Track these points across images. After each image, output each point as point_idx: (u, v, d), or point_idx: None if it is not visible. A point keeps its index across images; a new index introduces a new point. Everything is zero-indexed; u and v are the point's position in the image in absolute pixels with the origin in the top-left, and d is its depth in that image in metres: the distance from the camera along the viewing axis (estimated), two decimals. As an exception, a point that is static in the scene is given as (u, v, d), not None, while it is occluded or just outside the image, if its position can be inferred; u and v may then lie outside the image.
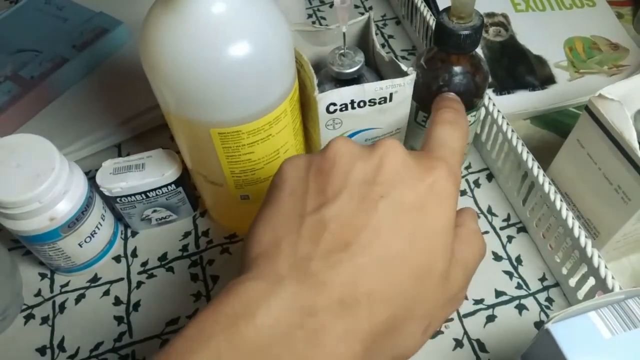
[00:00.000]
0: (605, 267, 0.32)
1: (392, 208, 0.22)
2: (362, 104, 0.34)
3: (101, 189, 0.38)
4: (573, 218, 0.34)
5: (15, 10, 0.57)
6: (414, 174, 0.24)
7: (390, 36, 0.55)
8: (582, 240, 0.33)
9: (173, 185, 0.39)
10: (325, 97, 0.33)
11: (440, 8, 0.50)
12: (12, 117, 0.48)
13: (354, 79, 0.35)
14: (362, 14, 0.38)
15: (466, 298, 0.38)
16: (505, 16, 0.50)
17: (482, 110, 0.42)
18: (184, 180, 0.40)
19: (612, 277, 0.31)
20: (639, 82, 0.32)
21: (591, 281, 0.34)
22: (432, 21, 0.47)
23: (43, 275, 0.41)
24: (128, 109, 0.48)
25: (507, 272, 0.39)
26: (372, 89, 0.33)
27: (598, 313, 0.26)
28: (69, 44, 0.53)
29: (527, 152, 0.38)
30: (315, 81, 0.33)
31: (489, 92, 0.47)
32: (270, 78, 0.31)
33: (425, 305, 0.23)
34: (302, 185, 0.24)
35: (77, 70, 0.52)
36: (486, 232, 0.41)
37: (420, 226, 0.23)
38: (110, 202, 0.40)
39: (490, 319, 0.37)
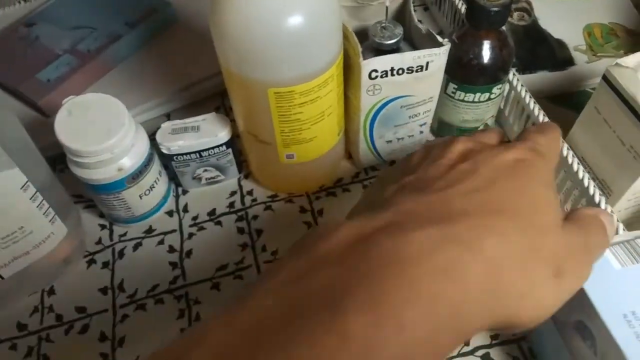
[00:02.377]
0: (617, 220, 0.36)
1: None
2: (400, 71, 0.38)
3: (160, 146, 0.42)
4: (589, 178, 0.38)
5: (70, -9, 0.62)
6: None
7: (419, 20, 0.59)
8: (597, 197, 0.37)
9: (224, 147, 0.43)
10: (369, 64, 0.37)
11: (468, -7, 0.53)
12: (71, 86, 0.52)
13: (393, 50, 0.39)
14: (400, -7, 0.42)
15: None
16: (528, 2, 0.54)
17: (507, 87, 0.46)
18: (234, 143, 0.44)
19: (624, 229, 0.35)
20: (652, 54, 0.35)
21: (604, 236, 0.37)
22: (460, 5, 0.51)
23: (103, 226, 0.45)
24: (177, 81, 0.53)
25: (526, 232, 0.43)
26: (410, 57, 0.37)
27: (610, 249, 0.30)
28: (121, 22, 0.57)
29: (547, 120, 0.41)
30: (360, 50, 0.37)
31: (513, 71, 0.50)
32: (322, 44, 0.35)
33: (549, 243, 0.23)
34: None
35: (130, 45, 0.56)
36: (507, 197, 0.45)
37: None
38: (166, 160, 0.44)
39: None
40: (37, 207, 0.37)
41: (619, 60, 0.34)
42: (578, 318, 0.29)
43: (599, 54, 0.52)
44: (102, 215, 0.45)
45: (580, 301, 0.29)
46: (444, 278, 0.20)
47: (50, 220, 0.38)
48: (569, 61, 0.51)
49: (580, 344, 0.30)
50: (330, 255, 0.20)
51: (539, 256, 0.22)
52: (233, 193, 0.46)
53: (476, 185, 0.24)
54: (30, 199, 0.36)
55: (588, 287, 0.28)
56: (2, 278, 0.38)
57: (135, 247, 0.44)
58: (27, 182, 0.35)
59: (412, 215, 0.22)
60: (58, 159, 0.47)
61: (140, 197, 0.42)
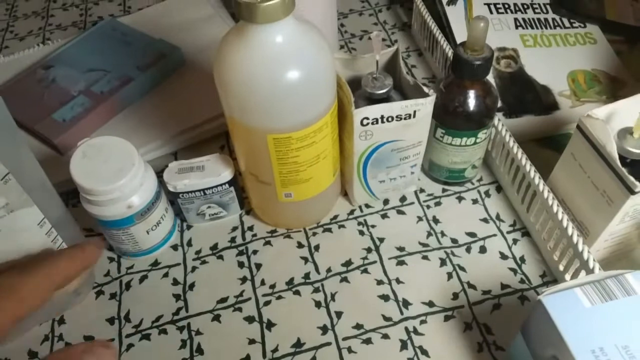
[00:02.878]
0: (594, 260, 0.38)
1: None
2: (390, 118, 0.41)
3: (168, 185, 0.45)
4: (568, 220, 0.40)
5: (85, 36, 0.66)
6: None
7: (413, 66, 0.63)
8: (575, 238, 0.39)
9: (227, 185, 0.46)
10: (360, 112, 0.40)
11: (458, 41, 0.57)
12: (85, 126, 0.56)
13: (384, 99, 0.42)
14: (389, 46, 0.46)
15: (475, 289, 0.44)
16: (515, 50, 0.57)
17: (493, 130, 0.49)
18: (236, 182, 0.47)
19: (600, 269, 0.37)
20: (620, 106, 0.38)
21: (582, 274, 0.39)
22: (450, 53, 0.54)
23: (111, 259, 0.48)
24: (184, 122, 0.56)
25: (511, 269, 0.45)
26: (399, 106, 0.40)
27: (581, 289, 0.32)
28: (133, 65, 0.61)
29: (530, 165, 0.44)
30: (353, 99, 0.40)
31: (500, 116, 0.53)
32: (317, 95, 0.38)
33: None
34: None
35: (141, 88, 0.60)
36: (494, 235, 0.47)
37: None
38: (172, 197, 0.47)
39: (496, 307, 0.43)
40: (52, 241, 0.39)
41: (590, 112, 0.37)
42: (552, 353, 0.32)
43: (582, 99, 0.55)
44: (111, 249, 0.48)
45: (554, 337, 0.31)
46: None
47: (63, 254, 0.41)
48: (553, 106, 0.54)
49: (555, 378, 0.32)
50: None
51: None
52: (235, 228, 0.49)
53: None
54: (45, 234, 0.39)
55: (560, 324, 0.30)
56: (16, 308, 0.40)
57: (142, 280, 0.46)
58: (43, 218, 0.38)
59: None
60: (71, 195, 0.50)
61: (148, 232, 0.45)
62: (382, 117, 0.41)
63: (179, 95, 0.59)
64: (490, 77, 0.50)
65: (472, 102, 0.44)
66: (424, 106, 0.41)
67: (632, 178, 0.34)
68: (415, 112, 0.41)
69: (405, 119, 0.41)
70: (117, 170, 0.41)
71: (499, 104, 0.54)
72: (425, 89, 0.41)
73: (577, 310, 0.31)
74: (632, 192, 0.34)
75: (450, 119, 0.45)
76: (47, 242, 0.39)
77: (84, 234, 0.48)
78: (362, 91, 0.43)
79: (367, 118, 0.41)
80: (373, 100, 0.42)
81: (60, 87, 0.60)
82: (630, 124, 0.37)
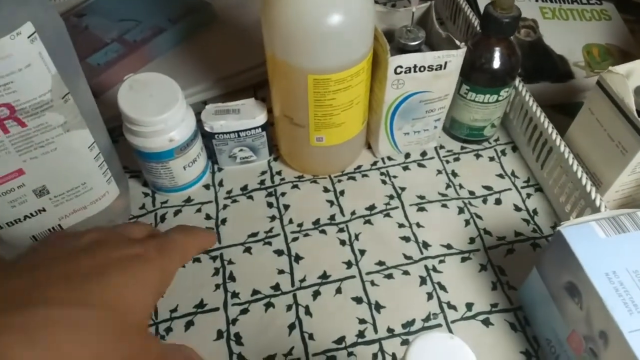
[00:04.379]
0: (605, 207, 0.41)
1: None
2: (422, 68, 0.43)
3: (205, 125, 0.48)
4: (582, 171, 0.43)
5: (117, -12, 0.68)
6: None
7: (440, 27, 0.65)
8: (588, 187, 0.42)
9: (259, 129, 0.49)
10: (395, 60, 0.43)
11: (481, 8, 0.59)
12: (119, 71, 0.58)
13: (416, 51, 0.45)
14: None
15: (490, 235, 0.47)
16: (534, 21, 0.60)
17: (512, 92, 0.52)
18: (268, 127, 0.49)
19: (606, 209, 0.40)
20: (637, 65, 0.41)
21: (593, 221, 0.42)
22: (474, 20, 0.57)
23: (146, 194, 0.50)
24: (214, 73, 0.58)
25: (525, 220, 0.48)
26: (431, 56, 0.43)
27: (597, 222, 0.35)
28: (165, 17, 0.63)
29: (549, 122, 0.47)
30: (388, 48, 0.43)
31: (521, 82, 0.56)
32: (357, 39, 0.40)
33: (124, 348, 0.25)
34: None
35: (172, 39, 0.62)
36: (509, 189, 0.50)
37: None
38: (206, 140, 0.49)
39: (510, 251, 0.46)
40: (99, 166, 0.42)
41: (612, 68, 0.40)
42: (568, 279, 0.35)
43: (595, 71, 0.58)
44: (145, 185, 0.51)
45: (570, 263, 0.34)
46: None
47: (107, 181, 0.43)
48: (568, 75, 0.57)
49: (568, 302, 0.35)
50: None
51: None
52: (264, 172, 0.52)
53: (79, 275, 0.25)
54: (94, 158, 0.41)
55: (577, 250, 0.33)
56: (62, 229, 0.43)
57: (176, 213, 0.49)
58: (93, 142, 0.40)
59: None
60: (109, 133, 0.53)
61: (185, 168, 0.47)
62: (415, 66, 0.43)
63: (209, 49, 0.61)
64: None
65: (497, 59, 0.46)
66: (455, 58, 0.43)
67: (647, 127, 0.37)
68: (446, 63, 0.43)
69: (436, 69, 0.44)
70: (162, 104, 0.44)
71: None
72: (457, 42, 0.44)
73: (593, 240, 0.34)
74: (647, 140, 0.37)
75: (476, 75, 0.47)
76: (94, 166, 0.41)
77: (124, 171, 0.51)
78: (395, 43, 0.45)
79: (401, 66, 0.43)
80: (406, 52, 0.45)
81: (94, 34, 0.62)
82: (646, 83, 0.40)
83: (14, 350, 0.21)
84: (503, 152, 0.53)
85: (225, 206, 0.49)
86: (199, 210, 0.49)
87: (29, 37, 0.33)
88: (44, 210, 0.41)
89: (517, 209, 0.49)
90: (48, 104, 0.36)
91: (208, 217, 0.48)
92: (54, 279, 0.24)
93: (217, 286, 0.44)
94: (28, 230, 0.41)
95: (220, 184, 0.51)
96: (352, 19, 0.38)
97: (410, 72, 0.44)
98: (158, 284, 0.29)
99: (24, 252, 0.27)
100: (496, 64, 0.46)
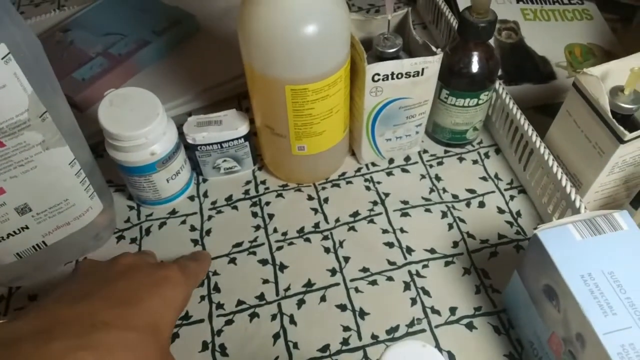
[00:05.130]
0: (585, 208, 0.41)
1: None
2: (400, 75, 0.44)
3: (187, 137, 0.48)
4: (562, 173, 0.43)
5: (101, 3, 0.68)
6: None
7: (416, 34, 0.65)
8: (568, 188, 0.42)
9: (242, 139, 0.49)
10: (372, 68, 0.43)
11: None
12: (104, 85, 0.58)
13: (394, 58, 0.45)
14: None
15: (474, 238, 0.47)
16: (515, 23, 0.60)
17: (494, 96, 0.52)
18: (250, 137, 0.50)
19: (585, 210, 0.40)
20: (613, 66, 0.41)
21: (574, 222, 0.43)
22: (455, 24, 0.57)
23: (131, 207, 0.51)
24: (199, 84, 0.59)
25: (508, 222, 0.48)
26: (408, 63, 0.43)
27: (574, 225, 0.35)
28: (149, 30, 0.63)
29: (529, 125, 0.47)
30: (365, 56, 0.43)
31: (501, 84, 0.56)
32: (333, 49, 0.41)
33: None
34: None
35: (157, 51, 0.62)
36: (492, 192, 0.50)
37: None
38: (190, 152, 0.49)
39: (493, 254, 0.46)
40: (80, 182, 0.42)
41: (586, 70, 0.40)
42: (545, 282, 0.35)
43: (577, 70, 0.58)
44: (130, 198, 0.51)
45: (547, 266, 0.34)
46: None
47: (90, 196, 0.43)
48: (551, 75, 0.57)
49: (547, 305, 0.35)
50: None
51: None
52: (248, 182, 0.52)
53: (123, 300, 0.30)
54: (75, 174, 0.41)
55: (552, 253, 0.34)
56: (46, 245, 0.43)
57: (161, 226, 0.49)
58: (74, 159, 0.41)
59: (59, 324, 0.27)
60: (92, 148, 0.53)
61: (168, 180, 0.48)
62: (392, 73, 0.44)
63: (194, 60, 0.62)
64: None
65: (475, 63, 0.46)
66: (432, 64, 0.44)
67: (621, 128, 0.37)
68: (423, 69, 0.44)
69: (414, 76, 0.44)
70: (143, 118, 0.44)
71: (499, 72, 0.57)
72: (433, 48, 0.44)
73: (569, 243, 0.34)
74: (622, 141, 0.38)
75: (454, 80, 0.48)
76: (75, 182, 0.42)
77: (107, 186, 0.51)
78: (373, 51, 0.46)
79: (379, 74, 0.43)
80: (384, 59, 0.45)
81: (79, 49, 0.62)
82: (622, 84, 0.40)
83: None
84: (486, 155, 0.54)
85: (210, 217, 0.49)
86: (183, 222, 0.49)
87: (2, 58, 0.33)
88: (27, 227, 0.41)
89: (501, 211, 0.49)
90: (25, 124, 0.36)
91: (193, 228, 0.49)
92: (105, 305, 0.29)
93: (202, 297, 0.44)
94: (12, 247, 0.42)
95: (205, 194, 0.51)
96: (326, 29, 0.39)
97: (388, 79, 0.44)
98: (182, 304, 0.34)
99: (65, 282, 0.32)
100: (474, 68, 0.47)
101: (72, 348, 0.26)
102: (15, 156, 0.37)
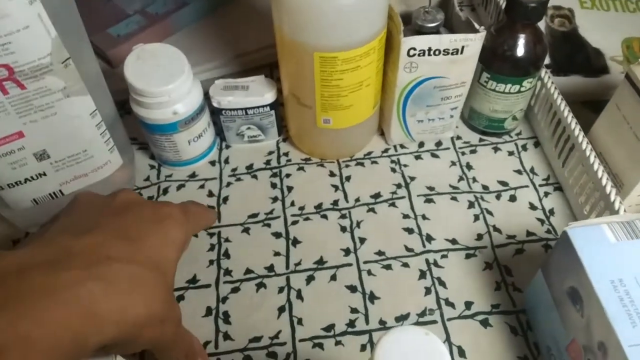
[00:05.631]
0: (624, 211, 0.38)
1: None
2: (437, 52, 0.41)
3: (212, 100, 0.47)
4: (603, 171, 0.40)
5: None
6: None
7: (460, 9, 0.62)
8: (608, 188, 0.39)
9: (268, 107, 0.48)
10: (408, 41, 0.41)
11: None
12: (138, 42, 0.57)
13: (433, 33, 0.42)
14: (446, -16, 0.46)
15: (500, 232, 0.44)
16: (570, 10, 0.56)
17: (538, 85, 0.49)
18: (277, 106, 0.48)
19: (625, 211, 0.37)
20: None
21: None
22: (503, 4, 0.54)
23: (152, 166, 0.50)
24: (232, 50, 0.57)
25: (539, 219, 0.45)
26: (447, 39, 0.40)
27: (609, 225, 0.32)
28: (188, -8, 0.62)
29: (572, 117, 0.44)
30: (402, 28, 0.41)
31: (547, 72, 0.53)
32: (367, 16, 0.39)
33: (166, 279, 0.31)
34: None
35: (194, 13, 0.61)
36: (526, 187, 0.47)
37: None
38: (215, 117, 0.48)
39: (519, 251, 0.43)
40: (101, 134, 0.42)
41: (642, 60, 0.37)
42: (571, 284, 0.32)
43: (634, 66, 0.54)
44: (152, 157, 0.50)
45: (574, 267, 0.31)
46: (73, 307, 0.25)
47: (109, 149, 0.43)
48: (603, 69, 0.53)
49: (570, 309, 0.32)
50: None
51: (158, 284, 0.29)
52: (271, 152, 0.51)
53: (127, 234, 0.30)
54: (96, 125, 0.41)
55: (582, 255, 0.31)
56: (62, 194, 0.43)
57: (179, 188, 0.48)
58: (95, 110, 0.40)
59: (67, 255, 0.27)
60: (119, 105, 0.53)
61: (189, 142, 0.47)
62: (429, 49, 0.41)
63: (229, 25, 0.60)
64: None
65: (521, 47, 0.43)
66: (473, 42, 0.41)
67: (676, 126, 0.34)
68: (463, 47, 0.41)
69: (452, 54, 0.41)
70: (168, 76, 0.43)
71: (547, 61, 0.53)
72: (476, 25, 0.41)
73: (601, 244, 0.31)
74: (675, 140, 0.34)
75: (497, 63, 0.45)
76: (96, 133, 0.41)
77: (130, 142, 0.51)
78: (412, 25, 0.43)
79: (414, 48, 0.41)
80: (423, 34, 0.42)
81: (117, 5, 0.62)
82: (682, 79, 0.36)
83: (97, 296, 0.26)
84: (524, 147, 0.50)
85: (228, 184, 0.48)
86: (202, 187, 0.48)
87: (27, -2, 0.33)
88: (44, 174, 0.41)
89: (533, 207, 0.46)
90: (47, 68, 0.36)
91: (211, 194, 0.48)
92: (110, 239, 0.29)
93: (211, 262, 0.43)
94: (29, 193, 0.42)
95: (226, 161, 0.50)
96: (362, -5, 0.37)
97: (424, 55, 0.41)
98: (183, 245, 0.33)
99: (65, 213, 0.31)
100: (520, 51, 0.44)
101: (81, 278, 0.26)
102: (36, 100, 0.37)
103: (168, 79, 0.43)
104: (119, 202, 0.32)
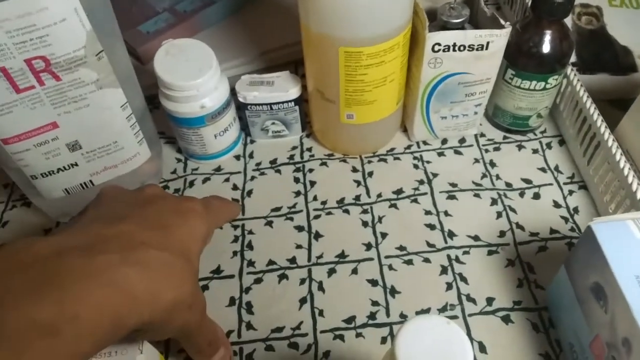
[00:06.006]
0: (652, 208, 0.37)
1: None
2: (462, 47, 0.41)
3: (238, 95, 0.48)
4: (629, 169, 0.40)
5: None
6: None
7: (486, 4, 0.62)
8: (634, 186, 0.39)
9: (292, 103, 0.48)
10: (433, 37, 0.41)
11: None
12: (167, 39, 0.59)
13: (458, 29, 0.43)
14: (472, -19, 0.46)
15: (523, 230, 0.44)
16: (599, 8, 0.56)
17: (564, 82, 0.48)
18: (301, 102, 0.49)
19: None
20: None
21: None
22: (530, 2, 0.53)
23: (179, 160, 0.51)
24: (258, 47, 0.58)
25: (563, 217, 0.45)
26: (472, 34, 0.41)
27: (634, 221, 0.32)
28: (216, -10, 0.64)
29: (598, 114, 0.44)
30: (427, 24, 0.41)
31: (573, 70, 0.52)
32: (392, 11, 0.39)
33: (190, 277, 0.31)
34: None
35: (221, 12, 0.62)
36: (550, 184, 0.47)
37: None
38: (241, 112, 0.49)
39: (542, 249, 0.43)
40: (131, 126, 0.43)
41: (672, 56, 0.36)
42: (595, 279, 0.32)
43: (663, 65, 0.53)
44: (179, 151, 0.52)
45: (598, 262, 0.31)
46: (112, 288, 0.26)
47: (138, 142, 0.44)
48: (631, 67, 0.53)
49: (593, 305, 0.32)
50: (23, 264, 0.26)
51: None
52: (294, 147, 0.51)
53: (155, 224, 0.31)
54: (126, 118, 0.42)
55: (607, 250, 0.31)
56: (93, 185, 0.44)
57: (205, 181, 0.49)
58: (126, 102, 0.41)
59: (101, 241, 0.28)
60: (148, 100, 0.54)
61: (215, 136, 0.48)
62: (454, 44, 0.41)
63: (255, 22, 0.61)
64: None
65: (547, 43, 0.43)
66: (499, 38, 0.41)
67: None
68: (488, 43, 0.41)
69: (477, 49, 0.41)
70: (196, 70, 0.44)
71: (574, 59, 0.53)
72: (502, 21, 0.41)
73: (626, 239, 0.31)
74: None
75: (522, 59, 0.44)
76: (126, 126, 0.42)
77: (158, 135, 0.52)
78: (437, 20, 0.43)
79: (439, 44, 0.41)
80: (447, 29, 0.43)
81: (147, 3, 0.63)
82: None
83: (133, 279, 0.27)
84: (548, 145, 0.50)
85: (252, 177, 0.49)
86: (227, 180, 0.49)
87: (65, -8, 0.34)
88: (76, 164, 0.42)
89: (557, 205, 0.46)
90: (82, 60, 0.37)
91: (235, 187, 0.49)
92: (140, 227, 0.30)
93: (235, 253, 0.44)
94: (61, 183, 0.43)
95: (251, 155, 0.51)
96: (388, -10, 0.37)
97: (449, 50, 0.42)
98: (205, 237, 0.34)
99: (93, 205, 0.33)
100: (545, 48, 0.43)
101: (116, 263, 0.27)
102: (70, 92, 0.38)
103: (196, 73, 0.44)
104: (145, 196, 0.34)
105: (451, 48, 0.41)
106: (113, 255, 0.27)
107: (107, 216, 0.31)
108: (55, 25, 0.34)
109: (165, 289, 0.28)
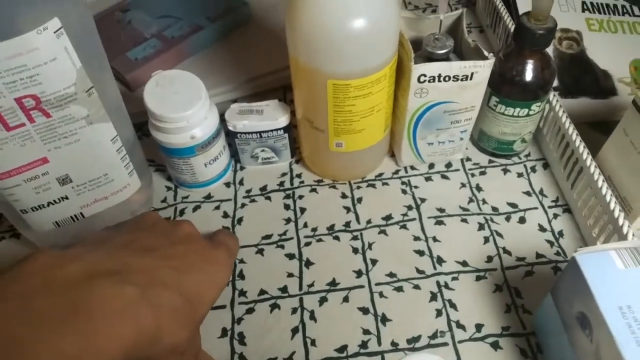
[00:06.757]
0: (632, 235, 0.38)
1: None
2: (447, 78, 0.42)
3: (228, 124, 0.48)
4: (611, 195, 0.41)
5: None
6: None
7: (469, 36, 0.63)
8: (616, 212, 0.40)
9: (282, 131, 0.49)
10: (419, 68, 0.42)
11: (522, 19, 0.57)
12: (155, 66, 0.59)
13: (443, 60, 0.44)
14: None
15: (510, 255, 0.45)
16: (578, 33, 0.57)
17: (547, 107, 0.49)
18: (290, 129, 0.49)
19: (633, 237, 0.38)
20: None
21: (620, 249, 0.40)
22: (512, 27, 0.55)
23: (169, 188, 0.52)
24: (246, 72, 0.59)
25: (548, 241, 0.46)
26: (457, 66, 0.42)
27: (617, 251, 0.33)
28: (204, 15, 0.64)
29: (580, 140, 0.45)
30: (413, 55, 0.42)
31: (554, 94, 0.53)
32: (379, 46, 0.40)
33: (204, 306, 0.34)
34: None
35: (209, 37, 0.63)
36: (535, 208, 0.48)
37: None
38: (230, 139, 0.50)
39: (529, 273, 0.44)
40: (121, 159, 0.43)
41: (649, 88, 0.38)
42: (580, 309, 0.33)
43: (642, 88, 0.54)
44: (169, 179, 0.52)
45: (583, 293, 0.32)
46: (132, 326, 0.27)
47: (129, 173, 0.44)
48: (611, 91, 0.54)
49: (579, 334, 0.33)
50: (55, 285, 0.27)
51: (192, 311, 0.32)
52: (284, 174, 0.52)
53: (180, 264, 0.32)
54: (116, 150, 0.42)
55: (590, 279, 0.32)
56: (83, 217, 0.45)
57: (195, 209, 0.50)
58: (116, 136, 0.42)
59: (128, 271, 0.29)
60: (137, 127, 0.54)
61: (205, 165, 0.48)
62: (439, 75, 0.42)
63: (243, 48, 0.62)
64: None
65: (529, 72, 0.44)
66: (482, 69, 0.42)
67: (682, 153, 0.35)
68: (472, 74, 0.42)
69: (462, 80, 0.42)
70: (186, 102, 0.44)
71: (555, 83, 0.54)
72: (485, 52, 0.42)
73: (610, 270, 0.32)
74: (681, 167, 0.35)
75: (506, 87, 0.46)
76: (116, 158, 0.43)
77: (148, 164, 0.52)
78: (422, 51, 0.44)
79: (425, 75, 0.42)
80: (432, 60, 0.44)
81: (135, 29, 0.64)
82: (688, 105, 0.37)
83: (149, 319, 0.28)
84: (533, 169, 0.51)
85: (243, 205, 0.50)
86: (217, 208, 0.50)
87: (55, 32, 0.34)
88: (66, 198, 0.42)
89: (542, 229, 0.47)
90: (72, 97, 0.37)
91: (226, 215, 0.49)
92: (165, 265, 0.31)
93: (226, 283, 0.44)
94: (52, 216, 0.43)
95: (241, 182, 0.51)
96: (374, 25, 0.38)
97: (434, 81, 0.43)
98: (224, 285, 0.36)
99: (129, 229, 0.34)
100: (528, 76, 0.44)
101: (138, 298, 0.28)
102: (60, 128, 0.38)
103: (186, 105, 0.44)
104: (179, 234, 0.35)
105: (436, 79, 0.42)
106: (137, 289, 0.28)
107: (138, 244, 0.32)
108: (46, 65, 0.35)
109: (166, 333, 0.29)
